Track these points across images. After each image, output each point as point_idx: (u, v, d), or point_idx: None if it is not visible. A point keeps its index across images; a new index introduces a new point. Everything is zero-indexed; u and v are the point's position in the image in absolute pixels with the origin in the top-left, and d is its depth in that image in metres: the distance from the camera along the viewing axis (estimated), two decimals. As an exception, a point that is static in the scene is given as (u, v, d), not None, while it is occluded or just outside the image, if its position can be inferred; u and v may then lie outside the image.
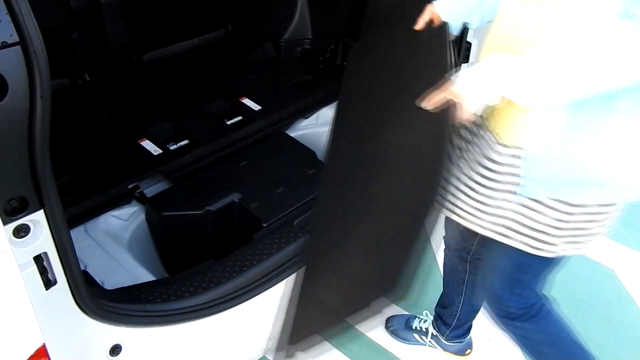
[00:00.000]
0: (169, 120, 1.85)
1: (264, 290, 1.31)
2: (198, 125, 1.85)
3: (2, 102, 0.75)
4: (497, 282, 1.35)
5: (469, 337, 1.83)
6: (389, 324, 1.91)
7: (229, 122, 1.90)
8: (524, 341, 1.48)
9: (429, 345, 1.86)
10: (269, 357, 1.68)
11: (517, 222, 1.17)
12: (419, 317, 1.89)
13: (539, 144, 1.09)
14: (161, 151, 1.72)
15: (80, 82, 1.98)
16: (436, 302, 1.82)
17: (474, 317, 1.77)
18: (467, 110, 1.02)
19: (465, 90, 1.01)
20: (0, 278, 0.82)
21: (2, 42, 0.73)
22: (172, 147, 1.75)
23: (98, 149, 1.71)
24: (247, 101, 2.00)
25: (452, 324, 1.75)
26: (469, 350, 1.86)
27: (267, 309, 1.32)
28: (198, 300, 1.22)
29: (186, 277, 1.29)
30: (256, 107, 1.97)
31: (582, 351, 1.51)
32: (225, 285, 1.26)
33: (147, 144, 1.74)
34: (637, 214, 2.61)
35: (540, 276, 1.34)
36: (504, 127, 1.13)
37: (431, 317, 1.86)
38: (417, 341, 1.87)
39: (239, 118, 1.93)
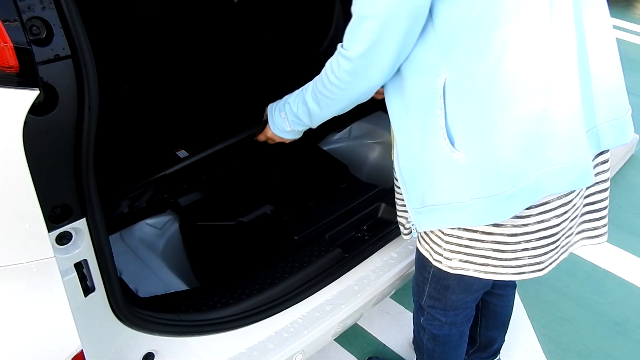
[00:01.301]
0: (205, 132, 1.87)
1: (295, 303, 1.31)
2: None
3: (52, 113, 0.77)
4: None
5: (498, 358, 1.79)
6: None
7: None
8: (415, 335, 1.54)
9: None
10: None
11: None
12: None
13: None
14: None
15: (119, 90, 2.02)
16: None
17: None
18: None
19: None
20: (43, 284, 0.84)
21: (55, 55, 0.75)
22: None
23: (134, 156, 1.74)
24: None
25: None
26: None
27: (298, 321, 1.32)
28: (230, 312, 1.23)
29: (219, 288, 1.30)
30: None
31: None
32: (257, 297, 1.27)
33: (182, 154, 1.76)
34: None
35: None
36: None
37: None
38: None
39: None
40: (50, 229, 0.84)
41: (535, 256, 1.16)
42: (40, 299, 0.85)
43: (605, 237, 1.30)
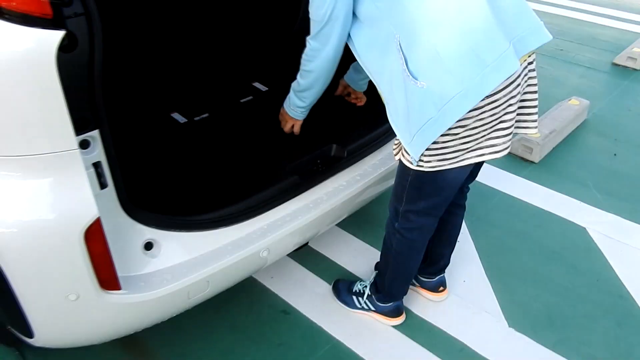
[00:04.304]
0: None
1: (262, 214, 1.72)
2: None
3: (74, 52, 1.19)
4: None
5: (442, 275, 2.16)
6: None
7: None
8: (385, 238, 1.91)
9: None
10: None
11: None
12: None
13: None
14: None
15: None
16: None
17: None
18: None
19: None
20: (74, 168, 1.26)
21: (74, 13, 1.17)
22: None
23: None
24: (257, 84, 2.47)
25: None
26: (442, 288, 2.16)
27: (264, 227, 1.73)
28: (213, 216, 1.63)
29: (205, 197, 1.71)
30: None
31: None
32: (233, 206, 1.67)
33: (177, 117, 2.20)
34: (610, 181, 2.91)
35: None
36: None
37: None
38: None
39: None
40: (76, 134, 1.26)
41: (491, 139, 1.53)
42: (73, 178, 1.26)
43: (536, 127, 1.66)
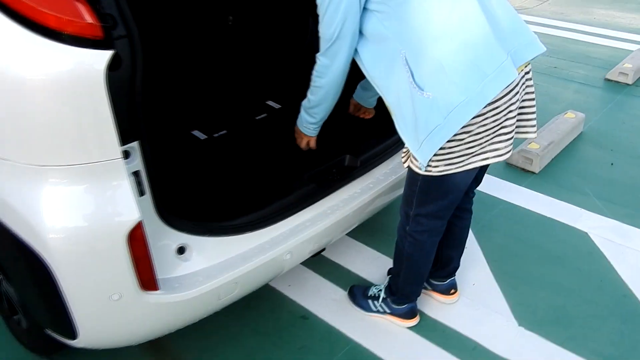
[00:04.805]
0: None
1: (284, 219, 1.83)
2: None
3: (118, 70, 1.32)
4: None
5: (452, 278, 2.27)
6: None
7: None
8: (397, 241, 2.01)
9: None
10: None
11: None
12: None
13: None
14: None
15: None
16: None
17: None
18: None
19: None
20: (119, 175, 1.38)
21: (119, 35, 1.30)
22: None
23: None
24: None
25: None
26: (453, 290, 2.27)
27: (286, 232, 1.84)
28: (238, 222, 1.75)
29: (231, 206, 1.83)
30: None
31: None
32: (258, 212, 1.79)
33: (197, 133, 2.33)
34: (608, 189, 3.03)
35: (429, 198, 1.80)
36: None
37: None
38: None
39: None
40: (120, 145, 1.38)
41: (494, 143, 1.65)
42: (118, 185, 1.38)
43: (535, 132, 1.79)
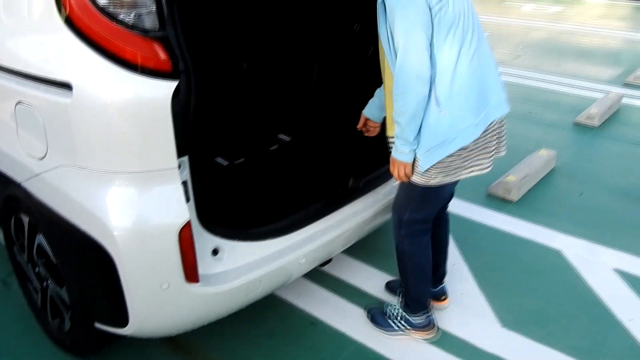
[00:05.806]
0: None
1: (300, 229, 2.16)
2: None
3: (178, 97, 1.66)
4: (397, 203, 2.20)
5: (442, 285, 2.55)
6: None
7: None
8: (397, 247, 2.26)
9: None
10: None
11: None
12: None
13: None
14: None
15: None
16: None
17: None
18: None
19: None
20: (174, 181, 1.70)
21: (181, 70, 1.65)
22: None
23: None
24: None
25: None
26: (444, 297, 2.55)
27: (302, 239, 2.16)
28: (263, 230, 2.07)
29: (258, 216, 2.15)
30: None
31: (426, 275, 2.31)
32: (280, 222, 2.12)
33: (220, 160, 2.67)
34: (578, 214, 3.40)
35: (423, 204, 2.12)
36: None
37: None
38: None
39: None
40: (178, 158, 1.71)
41: (479, 159, 1.99)
42: (172, 190, 1.69)
43: (505, 150, 2.13)
